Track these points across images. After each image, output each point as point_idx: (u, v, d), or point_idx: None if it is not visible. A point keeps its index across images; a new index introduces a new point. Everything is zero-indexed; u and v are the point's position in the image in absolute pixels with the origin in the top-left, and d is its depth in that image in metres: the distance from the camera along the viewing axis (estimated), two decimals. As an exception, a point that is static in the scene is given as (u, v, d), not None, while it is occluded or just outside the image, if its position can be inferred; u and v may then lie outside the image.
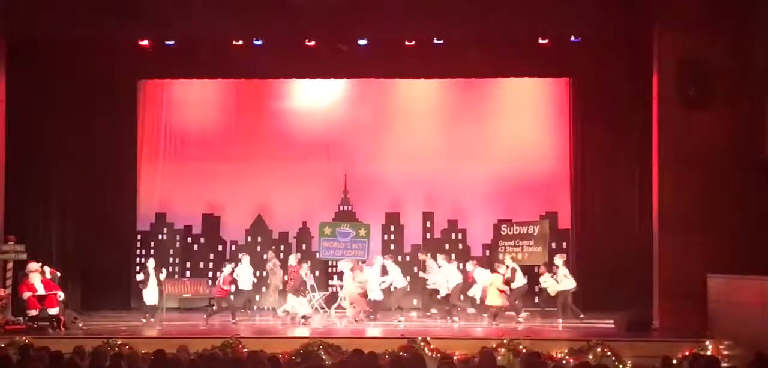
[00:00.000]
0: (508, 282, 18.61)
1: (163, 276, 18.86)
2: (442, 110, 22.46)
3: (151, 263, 18.96)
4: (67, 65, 19.93)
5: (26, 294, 17.13)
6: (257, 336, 15.87)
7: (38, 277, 17.30)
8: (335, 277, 20.71)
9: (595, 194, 21.20)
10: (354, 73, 21.32)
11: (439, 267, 19.43)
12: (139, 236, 22.27)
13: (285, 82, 22.37)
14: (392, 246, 21.82)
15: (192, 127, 22.64)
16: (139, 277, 18.78)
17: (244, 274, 19.37)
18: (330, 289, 20.55)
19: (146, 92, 22.61)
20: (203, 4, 17.84)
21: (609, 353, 13.63)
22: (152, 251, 21.77)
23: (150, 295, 18.41)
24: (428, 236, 22.25)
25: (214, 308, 19.14)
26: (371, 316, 18.49)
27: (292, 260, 19.74)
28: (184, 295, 20.80)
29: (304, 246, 21.75)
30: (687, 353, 13.31)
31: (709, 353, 13.15)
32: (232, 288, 19.05)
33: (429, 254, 20.21)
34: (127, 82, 21.76)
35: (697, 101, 16.87)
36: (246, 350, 13.27)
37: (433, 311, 19.68)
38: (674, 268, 16.90)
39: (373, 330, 17.12)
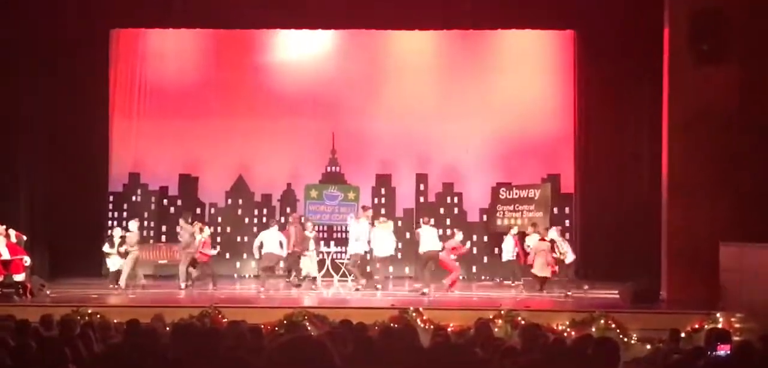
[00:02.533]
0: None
1: (117, 234, 18.68)
2: (437, 64, 22.38)
3: (117, 232, 18.90)
4: (31, 13, 19.72)
5: (-10, 259, 17.05)
6: (238, 305, 15.86)
7: (2, 241, 17.19)
8: (322, 243, 20.66)
9: (601, 155, 21.21)
10: (343, 23, 21.22)
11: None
12: (111, 198, 22.22)
13: (269, 33, 22.24)
14: (383, 210, 21.80)
15: (169, 81, 22.50)
16: (106, 248, 18.73)
17: (273, 242, 18.71)
18: (319, 255, 20.46)
19: (119, 43, 22.44)
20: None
21: (613, 325, 13.67)
22: (125, 214, 21.71)
23: (114, 260, 18.45)
24: (421, 199, 22.25)
25: (195, 275, 19.08)
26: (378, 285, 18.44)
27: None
28: (160, 261, 20.77)
29: (288, 209, 21.69)
30: (696, 326, 13.40)
31: (720, 325, 13.17)
32: (214, 252, 19.06)
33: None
34: (99, 32, 21.55)
35: (711, 56, 16.81)
36: (226, 320, 13.27)
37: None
38: (684, 235, 16.95)
39: (363, 299, 17.11)
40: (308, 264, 18.74)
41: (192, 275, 18.73)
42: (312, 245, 18.91)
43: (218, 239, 20.09)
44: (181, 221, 19.10)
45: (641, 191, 20.11)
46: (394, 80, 22.28)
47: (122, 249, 18.33)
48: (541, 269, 17.85)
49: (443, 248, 18.06)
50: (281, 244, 18.48)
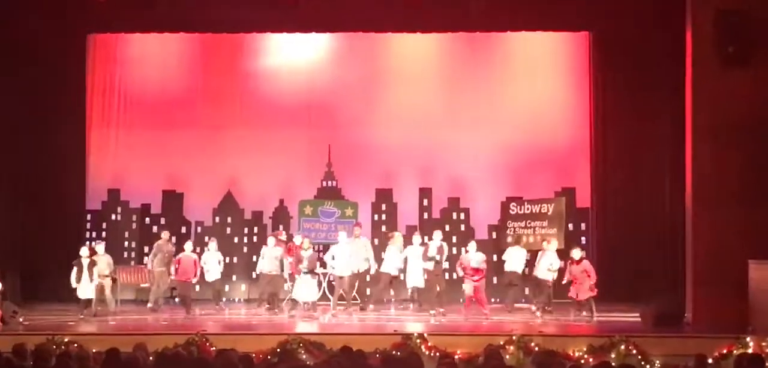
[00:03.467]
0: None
1: (84, 253, 18.62)
2: (441, 70, 22.40)
3: (84, 252, 18.77)
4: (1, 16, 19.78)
5: (-43, 285, 17.05)
6: (227, 332, 15.87)
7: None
8: (318, 264, 20.60)
9: (619, 167, 21.20)
10: (340, 26, 21.27)
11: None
12: (88, 217, 22.20)
13: (259, 37, 22.28)
14: (383, 228, 21.78)
15: (151, 89, 22.51)
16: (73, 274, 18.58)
17: (212, 262, 19.39)
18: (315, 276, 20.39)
19: (97, 48, 22.46)
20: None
21: (634, 351, 13.63)
22: (104, 234, 21.70)
23: (85, 288, 18.27)
24: (426, 215, 22.22)
25: (177, 299, 19.09)
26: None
27: (297, 240, 19.33)
28: (142, 285, 20.71)
29: (281, 228, 21.65)
30: (725, 350, 13.36)
31: (750, 350, 13.16)
32: (198, 271, 19.11)
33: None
34: (75, 37, 21.60)
35: (738, 58, 16.81)
36: (214, 348, 13.25)
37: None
38: (710, 252, 16.90)
39: (363, 325, 17.10)
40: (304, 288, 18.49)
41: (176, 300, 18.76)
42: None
43: (205, 260, 20.01)
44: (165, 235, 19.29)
45: (664, 204, 20.09)
46: (395, 87, 22.29)
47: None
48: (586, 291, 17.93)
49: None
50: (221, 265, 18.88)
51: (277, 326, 16.76)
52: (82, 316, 18.01)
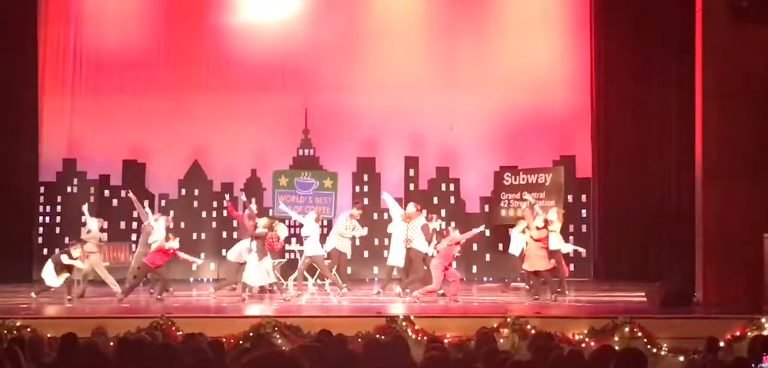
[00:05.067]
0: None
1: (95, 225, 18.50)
2: (428, 27, 22.41)
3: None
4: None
5: None
6: (194, 314, 15.80)
7: None
8: (294, 240, 20.63)
9: (623, 133, 21.26)
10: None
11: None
12: (42, 190, 22.16)
13: (228, -9, 22.24)
14: (366, 200, 21.79)
15: (109, 49, 22.42)
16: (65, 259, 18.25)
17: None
18: (287, 255, 20.41)
19: (48, 4, 22.36)
20: None
21: (639, 333, 13.66)
22: (59, 209, 21.62)
23: (50, 275, 17.95)
24: (411, 187, 22.24)
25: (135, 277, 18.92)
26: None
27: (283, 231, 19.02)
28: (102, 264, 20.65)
29: (254, 201, 21.61)
30: (738, 333, 13.41)
31: (765, 332, 13.22)
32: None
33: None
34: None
35: (753, 13, 16.82)
36: (180, 333, 13.22)
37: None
38: (722, 226, 16.95)
39: (344, 307, 17.07)
40: (255, 271, 18.12)
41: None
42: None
43: (170, 236, 19.91)
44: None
45: (671, 174, 20.18)
46: (378, 45, 22.28)
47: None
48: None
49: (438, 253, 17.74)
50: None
51: (250, 308, 16.72)
52: (34, 295, 17.76)
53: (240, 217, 18.95)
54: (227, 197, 20.21)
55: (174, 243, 17.98)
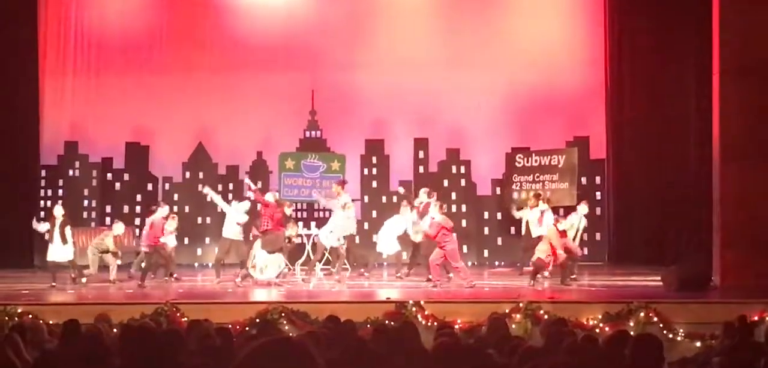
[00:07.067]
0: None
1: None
2: (438, 5, 22.40)
3: (58, 211, 18.59)
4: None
5: None
6: (200, 300, 15.83)
7: None
8: (301, 224, 20.64)
9: (638, 113, 21.23)
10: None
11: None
12: (43, 173, 22.19)
13: (233, -31, 22.23)
14: (374, 183, 21.78)
15: (111, 28, 22.44)
16: (42, 227, 18.39)
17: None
18: (298, 239, 20.34)
19: (50, -17, 22.39)
20: None
21: (655, 318, 13.69)
22: (61, 192, 21.66)
23: (58, 250, 18.09)
24: (421, 169, 22.23)
25: (144, 264, 19.01)
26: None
27: (270, 197, 18.95)
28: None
29: (259, 183, 21.58)
30: (756, 318, 13.39)
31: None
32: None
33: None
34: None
35: (772, -10, 16.80)
36: (186, 319, 13.26)
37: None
38: (740, 208, 16.94)
39: (353, 292, 17.06)
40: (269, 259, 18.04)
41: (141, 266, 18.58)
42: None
43: (174, 221, 19.90)
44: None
45: (687, 155, 20.12)
46: (386, 25, 22.25)
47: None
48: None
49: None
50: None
51: (257, 294, 16.74)
52: (54, 284, 17.82)
53: (267, 203, 18.57)
54: (250, 183, 19.59)
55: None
